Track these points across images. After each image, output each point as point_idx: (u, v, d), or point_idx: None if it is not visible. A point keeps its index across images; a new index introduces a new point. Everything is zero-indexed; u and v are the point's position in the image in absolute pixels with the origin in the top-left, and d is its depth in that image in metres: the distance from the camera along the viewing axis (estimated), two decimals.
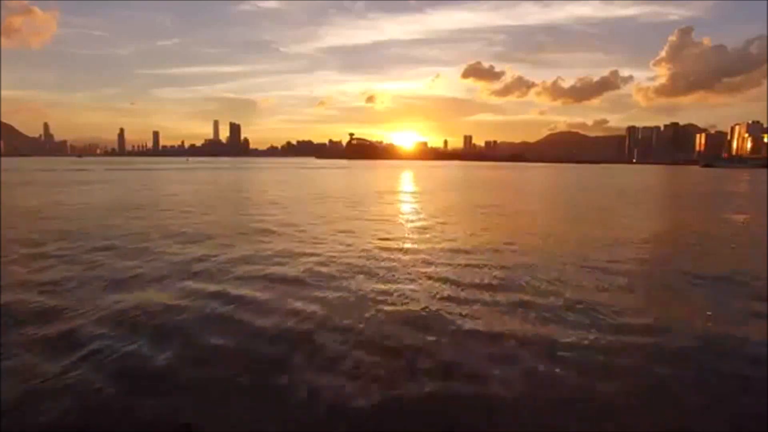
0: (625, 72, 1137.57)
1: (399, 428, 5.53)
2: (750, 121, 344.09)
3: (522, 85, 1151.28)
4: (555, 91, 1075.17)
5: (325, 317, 8.95)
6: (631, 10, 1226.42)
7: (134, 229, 19.50)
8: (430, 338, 7.97)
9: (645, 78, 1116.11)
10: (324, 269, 12.63)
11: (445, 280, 11.56)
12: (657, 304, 10.26)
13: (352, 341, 7.80)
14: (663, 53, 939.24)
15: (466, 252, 15.09)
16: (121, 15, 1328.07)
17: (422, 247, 16.05)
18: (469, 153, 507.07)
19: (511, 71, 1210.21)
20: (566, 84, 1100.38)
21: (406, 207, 30.47)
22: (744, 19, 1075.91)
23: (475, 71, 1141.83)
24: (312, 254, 14.48)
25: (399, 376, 6.62)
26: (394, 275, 12.08)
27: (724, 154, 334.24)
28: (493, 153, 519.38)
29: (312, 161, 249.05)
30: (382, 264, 13.35)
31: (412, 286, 11.05)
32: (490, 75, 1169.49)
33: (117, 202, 30.34)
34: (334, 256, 14.19)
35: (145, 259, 13.71)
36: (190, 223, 20.93)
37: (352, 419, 5.65)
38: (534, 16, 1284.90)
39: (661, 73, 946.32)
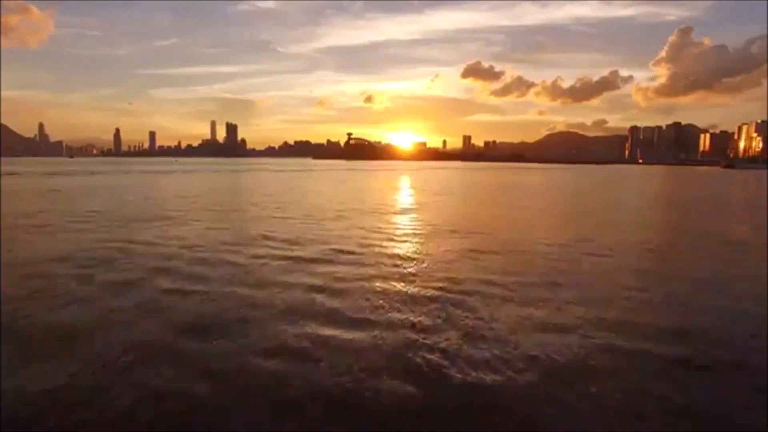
0: (624, 72, 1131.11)
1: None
2: (759, 121, 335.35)
3: (521, 85, 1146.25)
4: (554, 91, 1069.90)
5: None
6: (630, 11, 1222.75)
7: None
8: None
9: (645, 78, 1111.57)
10: None
11: None
12: None
13: None
14: (663, 53, 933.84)
15: None
16: (118, 15, 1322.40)
17: None
18: (469, 153, 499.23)
19: (510, 71, 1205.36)
20: (566, 84, 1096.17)
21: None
22: (743, 19, 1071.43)
23: (474, 71, 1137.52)
24: None
25: None
26: None
27: (730, 154, 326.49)
28: (492, 153, 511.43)
29: (308, 162, 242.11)
30: None
31: None
32: (490, 75, 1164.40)
33: None
34: None
35: None
36: None
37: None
38: (533, 16, 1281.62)
39: (661, 73, 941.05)
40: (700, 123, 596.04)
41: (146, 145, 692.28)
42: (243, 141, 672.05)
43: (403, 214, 26.71)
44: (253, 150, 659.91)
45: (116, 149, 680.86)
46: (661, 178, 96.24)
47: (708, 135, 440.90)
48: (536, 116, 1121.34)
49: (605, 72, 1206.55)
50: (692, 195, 50.42)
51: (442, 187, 56.48)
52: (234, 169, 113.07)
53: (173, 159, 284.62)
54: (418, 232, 19.85)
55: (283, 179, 69.84)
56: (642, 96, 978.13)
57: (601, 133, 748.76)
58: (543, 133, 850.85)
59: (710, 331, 8.70)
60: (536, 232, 20.46)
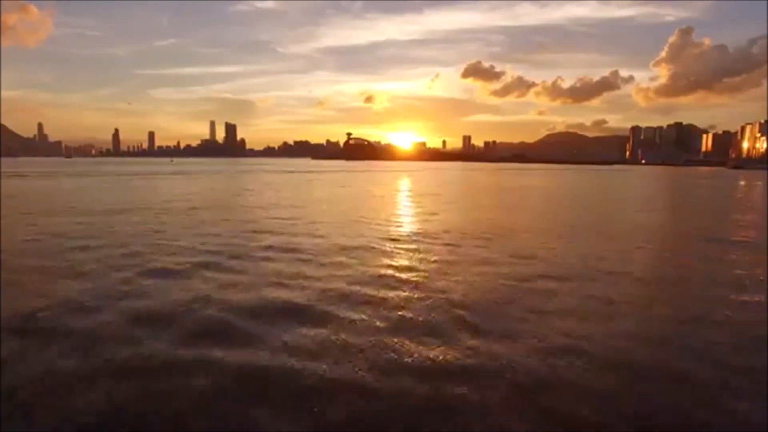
0: (624, 72, 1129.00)
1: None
2: (762, 121, 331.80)
3: (521, 85, 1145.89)
4: (554, 91, 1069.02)
5: None
6: (629, 11, 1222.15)
7: None
8: None
9: (645, 78, 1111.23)
10: None
11: None
12: None
13: None
14: (663, 53, 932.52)
15: None
16: (117, 15, 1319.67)
17: None
18: (469, 153, 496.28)
19: (510, 71, 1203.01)
20: (566, 84, 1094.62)
21: None
22: (743, 19, 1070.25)
23: (474, 71, 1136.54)
24: None
25: None
26: None
27: (732, 154, 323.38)
28: (492, 153, 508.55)
29: (308, 162, 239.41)
30: None
31: None
32: (490, 75, 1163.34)
33: None
34: None
35: None
36: None
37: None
38: (532, 16, 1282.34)
39: (662, 74, 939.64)
40: (699, 123, 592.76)
41: (145, 145, 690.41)
42: (242, 141, 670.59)
43: (424, 242, 18.19)
44: (252, 150, 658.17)
45: (115, 149, 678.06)
46: (681, 181, 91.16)
47: (710, 135, 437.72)
48: (536, 116, 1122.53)
49: (605, 72, 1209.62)
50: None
51: (449, 191, 53.36)
52: (231, 171, 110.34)
53: (169, 159, 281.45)
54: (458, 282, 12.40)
55: (280, 182, 67.10)
56: (642, 96, 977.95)
57: (600, 134, 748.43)
58: (543, 133, 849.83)
59: None
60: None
